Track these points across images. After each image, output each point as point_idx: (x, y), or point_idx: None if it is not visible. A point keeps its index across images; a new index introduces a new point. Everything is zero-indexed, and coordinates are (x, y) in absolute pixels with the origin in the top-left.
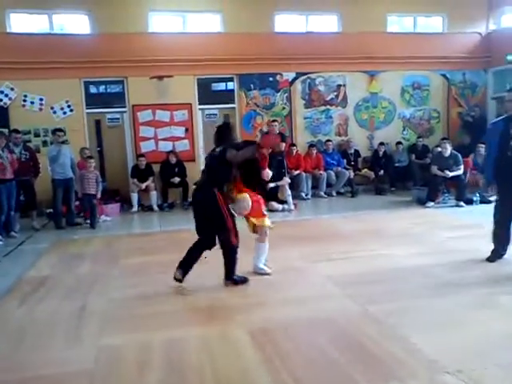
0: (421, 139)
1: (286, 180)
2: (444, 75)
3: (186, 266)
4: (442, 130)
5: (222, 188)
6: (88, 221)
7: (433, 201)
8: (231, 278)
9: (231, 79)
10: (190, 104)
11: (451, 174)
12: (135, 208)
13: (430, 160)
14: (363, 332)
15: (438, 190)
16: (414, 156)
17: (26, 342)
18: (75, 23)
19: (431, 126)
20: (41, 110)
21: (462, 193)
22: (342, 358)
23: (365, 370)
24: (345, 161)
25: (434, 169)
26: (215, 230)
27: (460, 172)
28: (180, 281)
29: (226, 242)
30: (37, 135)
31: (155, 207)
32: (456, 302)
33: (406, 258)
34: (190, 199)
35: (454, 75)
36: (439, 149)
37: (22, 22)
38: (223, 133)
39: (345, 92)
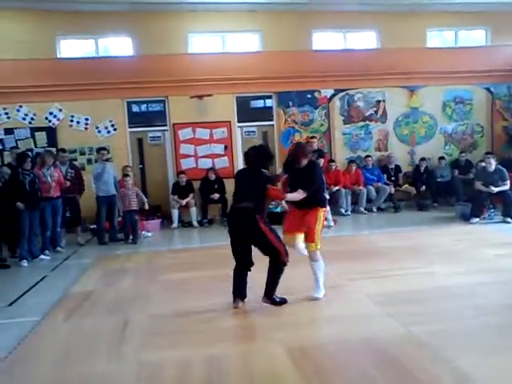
0: (463, 154)
1: (326, 196)
2: (488, 89)
3: (237, 291)
4: (486, 144)
5: (263, 212)
6: (130, 236)
7: (477, 217)
8: (271, 297)
9: (270, 97)
10: (229, 122)
11: (496, 190)
12: (175, 224)
13: (474, 175)
14: (405, 353)
15: (483, 205)
16: (456, 171)
17: (71, 356)
18: (119, 46)
19: (474, 141)
20: (86, 129)
21: (508, 208)
22: (383, 379)
23: None
24: (385, 176)
25: (478, 184)
26: (266, 254)
27: (506, 187)
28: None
29: (278, 262)
30: (82, 153)
31: (195, 223)
32: (503, 324)
33: (450, 276)
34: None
35: (498, 88)
36: (483, 164)
37: (70, 48)
38: (264, 157)
39: (384, 107)
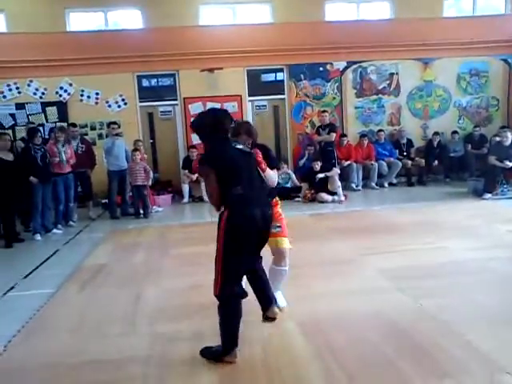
0: (478, 128)
1: (336, 171)
2: (505, 60)
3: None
4: (502, 118)
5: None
6: (141, 211)
7: (490, 192)
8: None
9: (281, 70)
10: (240, 96)
11: (511, 165)
12: (186, 199)
13: (488, 150)
14: (416, 327)
15: (496, 181)
16: (470, 146)
17: (85, 327)
18: (128, 19)
19: (489, 115)
20: (96, 104)
21: None
22: (395, 353)
23: (418, 367)
24: (397, 151)
25: (492, 159)
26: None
27: None
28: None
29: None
30: (93, 128)
31: (206, 198)
32: None
33: (462, 251)
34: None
35: None
36: (498, 138)
37: (79, 21)
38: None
39: (397, 80)
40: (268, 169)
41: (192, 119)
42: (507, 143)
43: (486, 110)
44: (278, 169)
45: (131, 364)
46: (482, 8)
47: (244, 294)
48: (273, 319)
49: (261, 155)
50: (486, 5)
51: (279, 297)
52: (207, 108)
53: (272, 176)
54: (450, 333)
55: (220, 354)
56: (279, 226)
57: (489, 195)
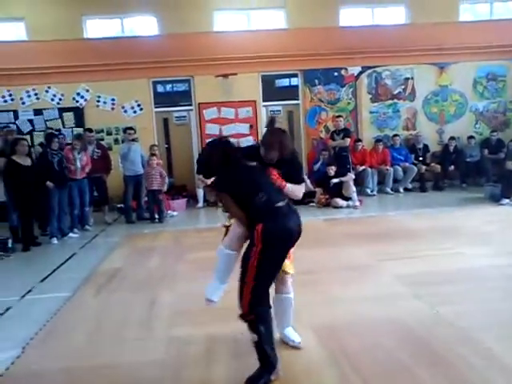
0: (495, 133)
1: (351, 176)
2: None
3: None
4: None
5: None
6: (156, 216)
7: (508, 198)
8: None
9: (295, 75)
10: (255, 101)
11: None
12: (201, 203)
13: (505, 155)
14: (433, 334)
15: None
16: (486, 151)
17: (101, 331)
18: (144, 25)
19: (507, 119)
20: (113, 109)
21: None
22: (411, 359)
23: (435, 374)
24: (413, 156)
25: (510, 164)
26: None
27: None
28: None
29: None
30: (109, 133)
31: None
32: None
33: (479, 257)
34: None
35: None
36: None
37: (96, 28)
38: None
39: (413, 85)
40: (288, 185)
41: (198, 160)
42: None
43: (503, 114)
44: (303, 181)
45: (147, 368)
46: (498, 12)
47: (270, 305)
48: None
49: (276, 173)
50: (503, 8)
51: (292, 331)
52: (221, 113)
53: (295, 191)
54: (469, 340)
55: (268, 375)
56: None
57: (506, 201)
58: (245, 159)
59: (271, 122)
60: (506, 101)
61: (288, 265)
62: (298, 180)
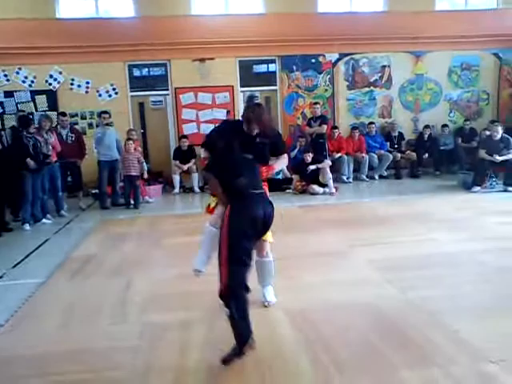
0: (468, 122)
1: (327, 163)
2: (496, 54)
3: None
4: (492, 112)
5: None
6: (132, 202)
7: (479, 185)
8: None
9: (273, 61)
10: (232, 86)
11: (501, 159)
12: (177, 189)
13: (478, 143)
14: (403, 318)
15: (485, 174)
16: (460, 139)
17: (75, 316)
18: (120, 7)
19: (480, 108)
20: (87, 93)
21: (510, 177)
22: (382, 342)
23: (404, 356)
24: (388, 143)
25: (482, 153)
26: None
27: (510, 156)
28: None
29: None
30: (83, 118)
31: (196, 189)
32: (501, 289)
33: (451, 243)
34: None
35: (507, 54)
36: (488, 132)
37: (70, 8)
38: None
39: (389, 73)
40: (274, 164)
41: (205, 139)
42: (497, 137)
43: (476, 103)
44: (286, 152)
45: (121, 353)
46: (474, 2)
47: (248, 289)
48: None
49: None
50: None
51: (270, 292)
52: (198, 98)
53: (281, 163)
54: (437, 323)
55: (240, 348)
56: None
57: (478, 188)
58: (242, 151)
59: (250, 98)
60: (479, 90)
61: (267, 234)
62: (280, 151)
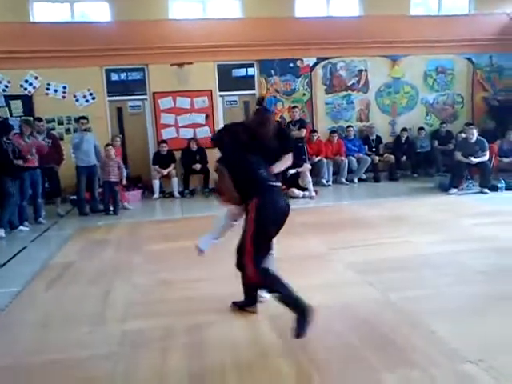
0: (444, 125)
1: (307, 166)
2: (469, 59)
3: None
4: (466, 115)
5: None
6: (111, 208)
7: (456, 187)
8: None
9: (251, 65)
10: (211, 90)
11: (476, 161)
12: (157, 195)
13: (454, 146)
14: (383, 319)
15: (462, 176)
16: (436, 142)
17: (53, 325)
18: (96, 11)
19: (455, 111)
20: (64, 98)
21: (486, 179)
22: (362, 344)
23: (384, 357)
24: (366, 147)
25: (458, 155)
26: None
27: (485, 158)
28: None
29: None
30: (60, 123)
31: (176, 194)
32: (479, 290)
33: (429, 245)
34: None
35: (479, 58)
36: (463, 134)
37: (44, 11)
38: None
39: (366, 77)
40: (274, 166)
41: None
42: (473, 140)
43: (451, 106)
44: (291, 151)
45: (99, 362)
46: (447, 7)
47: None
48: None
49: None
50: (452, 5)
51: None
52: (177, 103)
53: (281, 167)
54: (416, 324)
55: (305, 318)
56: None
57: (454, 190)
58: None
59: (260, 101)
60: (454, 94)
61: None
62: (286, 148)
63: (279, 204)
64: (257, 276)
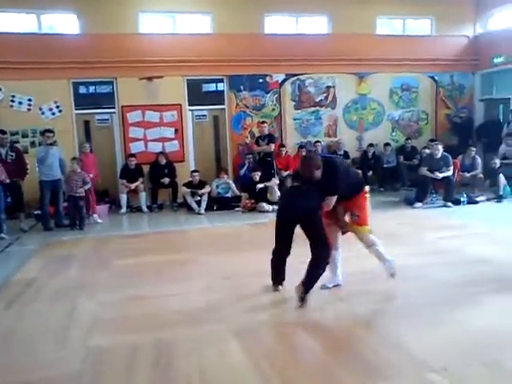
0: (409, 140)
1: (275, 181)
2: (432, 77)
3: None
4: (430, 131)
5: None
6: (77, 222)
7: (421, 201)
8: (308, 290)
9: (221, 80)
10: (180, 105)
11: (441, 176)
12: (124, 209)
13: (419, 161)
14: (351, 332)
15: (427, 191)
16: (402, 157)
17: (14, 346)
18: (64, 23)
19: (419, 128)
20: (29, 110)
21: (450, 193)
22: (330, 358)
23: (353, 370)
24: None
25: (424, 170)
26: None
27: (450, 173)
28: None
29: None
30: (25, 136)
31: (144, 208)
32: (443, 301)
33: (396, 258)
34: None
35: (442, 77)
36: (428, 150)
37: (9, 22)
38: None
39: (334, 93)
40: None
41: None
42: (438, 156)
43: (416, 123)
44: (335, 194)
45: (62, 381)
46: (411, 28)
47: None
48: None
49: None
50: (415, 26)
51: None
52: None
53: (329, 205)
54: (383, 336)
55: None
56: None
57: (419, 204)
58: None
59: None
60: (418, 110)
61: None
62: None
63: (281, 204)
64: (329, 246)
